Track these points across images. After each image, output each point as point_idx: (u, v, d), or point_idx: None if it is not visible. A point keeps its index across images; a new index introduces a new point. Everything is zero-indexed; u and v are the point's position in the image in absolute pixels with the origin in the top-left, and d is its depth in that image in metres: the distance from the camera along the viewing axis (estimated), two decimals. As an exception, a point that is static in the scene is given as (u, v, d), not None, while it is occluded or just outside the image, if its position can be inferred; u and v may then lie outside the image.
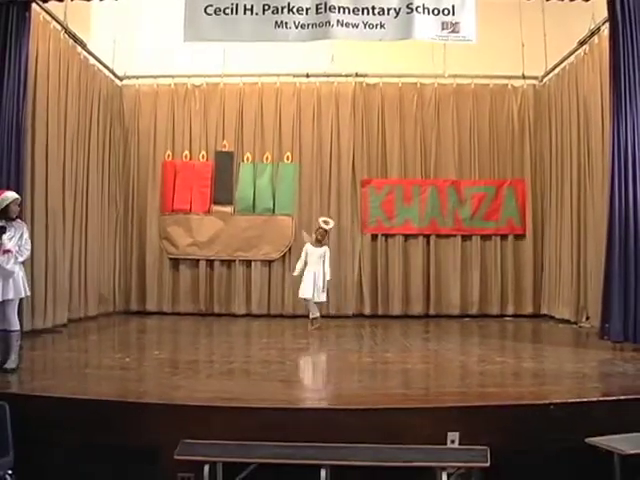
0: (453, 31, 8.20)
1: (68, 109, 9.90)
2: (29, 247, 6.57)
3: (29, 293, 6.77)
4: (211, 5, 8.24)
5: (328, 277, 9.91)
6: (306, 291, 9.82)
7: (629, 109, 7.85)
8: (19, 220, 6.58)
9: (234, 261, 11.94)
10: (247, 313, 11.80)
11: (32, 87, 8.66)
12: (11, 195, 6.54)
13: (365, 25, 8.21)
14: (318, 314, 9.95)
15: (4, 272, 6.25)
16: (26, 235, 6.52)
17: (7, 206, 6.39)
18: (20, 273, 6.42)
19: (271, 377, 6.50)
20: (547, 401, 5.10)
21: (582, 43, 9.92)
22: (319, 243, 9.97)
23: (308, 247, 9.99)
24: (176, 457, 4.60)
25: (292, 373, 7.03)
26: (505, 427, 4.94)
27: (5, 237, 6.27)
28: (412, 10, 8.12)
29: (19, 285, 6.37)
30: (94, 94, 10.95)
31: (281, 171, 12.01)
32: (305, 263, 9.91)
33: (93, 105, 10.92)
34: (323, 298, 9.97)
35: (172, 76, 12.05)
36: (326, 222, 10.11)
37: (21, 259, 6.43)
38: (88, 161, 10.74)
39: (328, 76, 11.97)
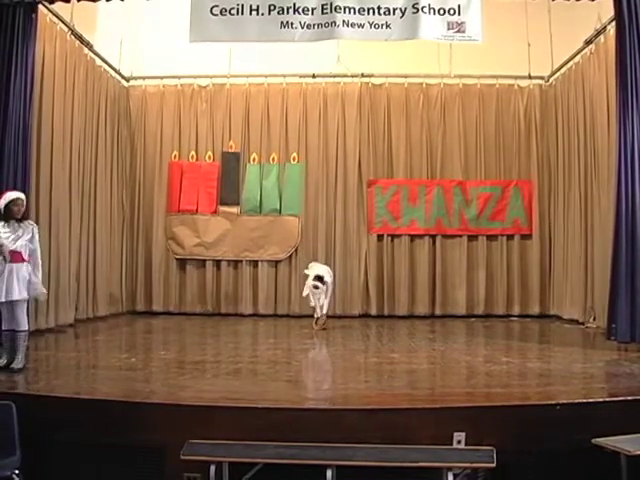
0: (459, 31, 8.18)
1: (74, 110, 9.92)
2: (39, 254, 6.47)
3: (34, 294, 6.60)
4: (217, 6, 8.25)
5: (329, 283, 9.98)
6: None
7: (636, 108, 7.81)
8: (29, 221, 6.52)
9: (241, 261, 11.94)
10: (254, 313, 11.80)
11: (39, 88, 8.69)
12: (9, 195, 6.45)
13: (371, 25, 8.21)
14: (324, 313, 9.98)
15: (20, 275, 6.21)
16: (36, 238, 6.42)
17: (7, 207, 6.32)
18: (26, 275, 6.34)
19: (277, 377, 6.51)
20: (553, 401, 5.09)
21: (588, 42, 9.90)
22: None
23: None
24: (182, 457, 4.60)
25: (298, 373, 7.03)
26: (511, 427, 4.93)
27: (5, 240, 6.20)
28: (418, 10, 8.12)
29: (23, 287, 6.27)
30: (100, 95, 10.98)
31: (287, 171, 12.01)
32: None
33: (100, 106, 10.95)
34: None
35: (178, 77, 12.07)
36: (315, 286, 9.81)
37: (39, 274, 6.44)
38: (95, 162, 10.77)
39: (334, 76, 11.96)
